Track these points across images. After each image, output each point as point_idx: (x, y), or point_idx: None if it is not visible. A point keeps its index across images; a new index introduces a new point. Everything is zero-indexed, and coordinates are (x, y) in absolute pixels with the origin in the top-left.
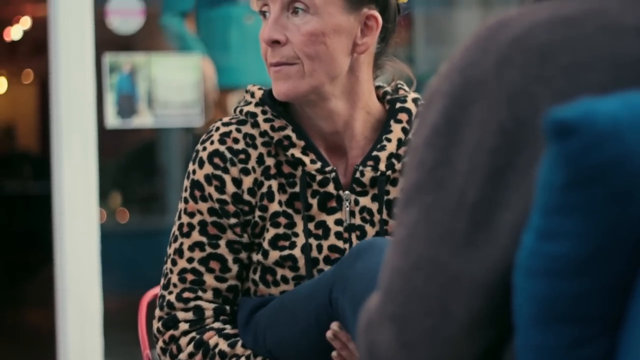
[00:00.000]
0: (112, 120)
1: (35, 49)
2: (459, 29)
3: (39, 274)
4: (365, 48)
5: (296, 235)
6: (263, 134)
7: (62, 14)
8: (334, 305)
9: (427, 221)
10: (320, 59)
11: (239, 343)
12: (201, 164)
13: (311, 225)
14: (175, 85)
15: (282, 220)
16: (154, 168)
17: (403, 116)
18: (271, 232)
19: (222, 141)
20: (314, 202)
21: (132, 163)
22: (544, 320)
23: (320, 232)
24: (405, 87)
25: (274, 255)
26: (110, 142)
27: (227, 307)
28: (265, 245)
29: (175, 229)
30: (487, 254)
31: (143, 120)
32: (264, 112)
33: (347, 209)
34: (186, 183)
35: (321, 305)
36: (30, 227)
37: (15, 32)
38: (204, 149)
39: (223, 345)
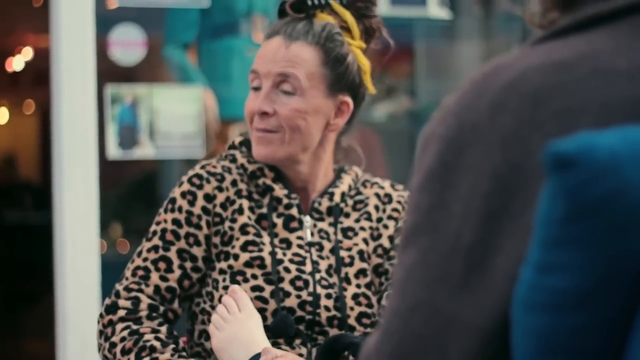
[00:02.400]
0: (114, 151)
1: (37, 79)
2: (460, 61)
3: (39, 304)
4: (336, 128)
5: (263, 244)
6: (239, 166)
7: (64, 45)
8: None
9: (424, 263)
10: (299, 131)
11: (171, 346)
12: (181, 184)
13: (276, 240)
14: (176, 117)
15: (251, 230)
16: (155, 199)
17: (351, 172)
18: (241, 240)
19: (202, 167)
20: (279, 221)
21: (133, 194)
22: (543, 354)
23: (284, 245)
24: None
25: (244, 256)
26: (111, 173)
27: (161, 307)
28: (236, 250)
29: (139, 249)
30: (483, 298)
31: (144, 151)
32: (242, 152)
33: (308, 229)
34: (164, 205)
35: None
36: (30, 257)
37: (17, 63)
38: (187, 174)
39: (155, 342)
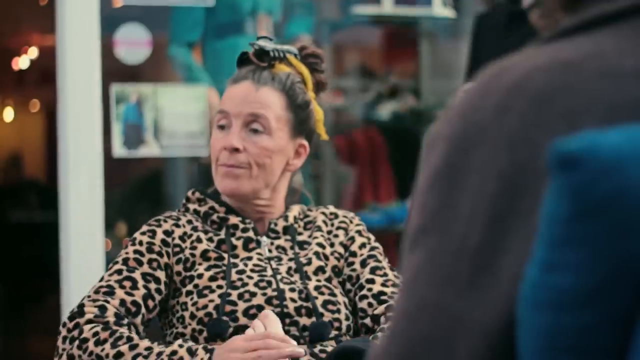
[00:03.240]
0: (119, 150)
1: (43, 78)
2: (464, 61)
3: (45, 302)
4: (294, 168)
5: (225, 265)
6: (192, 212)
7: (70, 44)
8: None
9: (431, 264)
10: (265, 168)
11: (147, 340)
12: (141, 229)
13: (237, 260)
14: (181, 116)
15: (212, 254)
16: (160, 198)
17: (297, 205)
18: (204, 265)
19: (161, 215)
20: (238, 243)
21: (138, 193)
22: (548, 353)
23: (245, 261)
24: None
25: (208, 274)
26: (116, 172)
27: (126, 319)
28: (200, 271)
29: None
30: (490, 298)
31: (149, 150)
32: (193, 201)
33: (265, 247)
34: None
35: None
36: (36, 256)
37: (22, 62)
38: (149, 221)
39: (132, 334)
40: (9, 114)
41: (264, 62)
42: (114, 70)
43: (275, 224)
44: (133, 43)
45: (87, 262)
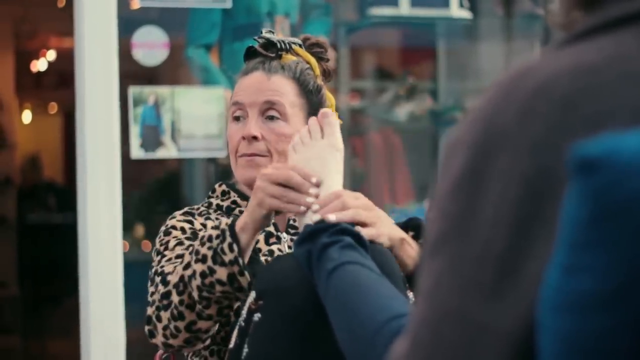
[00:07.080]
0: (137, 152)
1: (61, 80)
2: (482, 62)
3: (63, 304)
4: None
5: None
6: (215, 208)
7: (88, 47)
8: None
9: (453, 271)
10: (285, 155)
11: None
12: (172, 218)
13: (259, 254)
14: (199, 118)
15: None
16: (177, 200)
17: None
18: None
19: (188, 208)
20: (260, 237)
21: (156, 194)
22: (569, 356)
23: (267, 256)
24: None
25: None
26: (134, 174)
27: None
28: None
29: (154, 264)
30: (514, 305)
31: (167, 151)
32: (217, 194)
33: (285, 244)
34: (160, 236)
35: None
36: (54, 258)
37: (40, 64)
38: (172, 216)
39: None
40: (27, 116)
41: (271, 52)
42: (132, 73)
43: (295, 220)
44: (150, 45)
45: (105, 264)
